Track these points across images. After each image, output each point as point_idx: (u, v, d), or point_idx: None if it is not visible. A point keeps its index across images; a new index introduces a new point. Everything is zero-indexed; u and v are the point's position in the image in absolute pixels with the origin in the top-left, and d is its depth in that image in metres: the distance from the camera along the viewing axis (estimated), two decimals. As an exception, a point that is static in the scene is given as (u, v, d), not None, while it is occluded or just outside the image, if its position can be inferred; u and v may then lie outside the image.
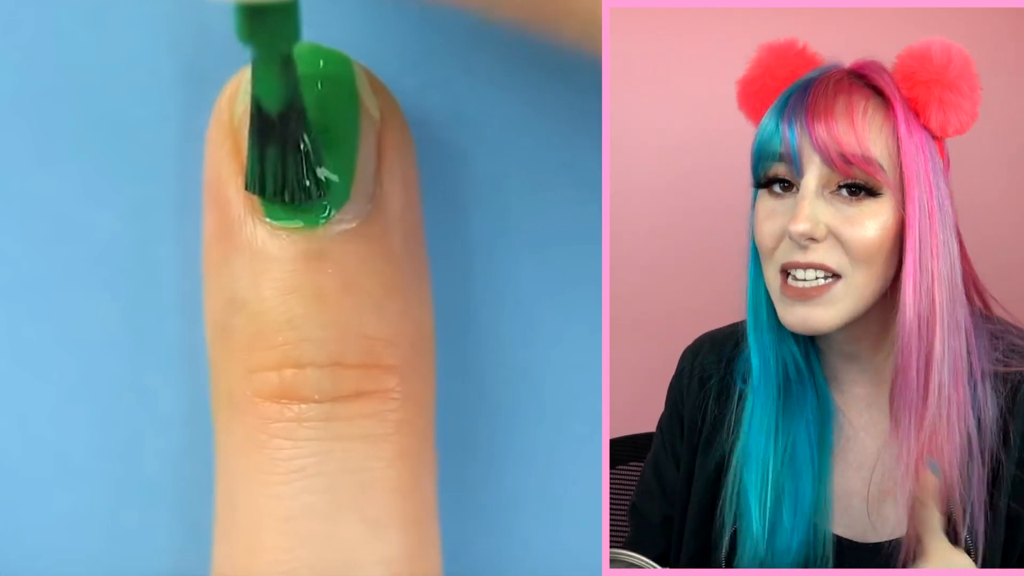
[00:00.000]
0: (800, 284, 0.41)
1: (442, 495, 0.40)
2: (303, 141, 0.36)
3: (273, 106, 0.35)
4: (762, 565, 0.44)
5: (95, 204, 0.41)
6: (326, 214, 0.37)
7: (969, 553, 0.42)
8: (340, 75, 0.38)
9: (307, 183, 0.36)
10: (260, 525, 0.37)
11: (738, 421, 0.46)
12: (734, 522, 0.45)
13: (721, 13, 0.70)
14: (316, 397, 0.37)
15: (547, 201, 0.43)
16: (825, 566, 0.43)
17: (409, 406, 0.38)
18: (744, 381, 0.46)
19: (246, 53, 0.35)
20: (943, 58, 0.41)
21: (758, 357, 0.45)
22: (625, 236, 0.67)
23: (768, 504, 0.44)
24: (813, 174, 0.40)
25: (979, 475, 0.42)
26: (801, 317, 0.41)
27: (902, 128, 0.41)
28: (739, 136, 0.45)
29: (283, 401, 0.37)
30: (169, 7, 0.41)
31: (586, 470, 0.43)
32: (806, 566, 0.43)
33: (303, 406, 0.37)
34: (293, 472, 0.37)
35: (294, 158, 0.36)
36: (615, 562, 0.43)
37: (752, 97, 0.44)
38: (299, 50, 0.36)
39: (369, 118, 0.38)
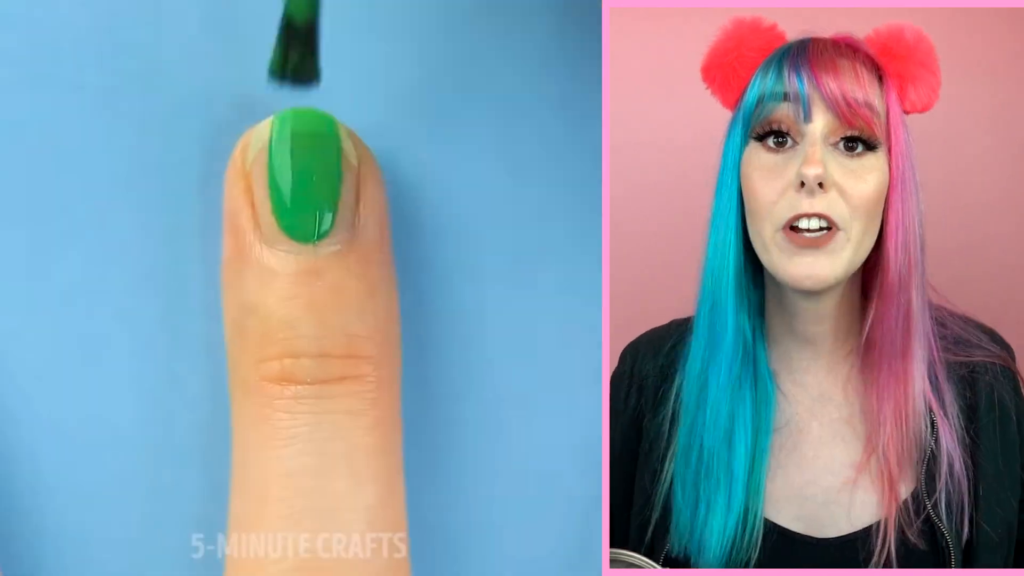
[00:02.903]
0: (807, 235, 0.39)
1: (444, 494, 0.42)
2: (317, 44, 0.38)
3: (302, 19, 0.37)
4: (691, 545, 0.42)
5: (141, 232, 0.43)
6: (317, 238, 0.39)
7: (936, 540, 0.41)
8: (327, 132, 0.40)
9: (317, 70, 0.38)
10: (267, 481, 0.39)
11: (675, 414, 0.44)
12: (662, 506, 0.44)
13: (722, 13, 0.55)
14: (309, 381, 0.39)
15: (551, 200, 0.44)
16: (754, 551, 0.42)
17: (382, 387, 0.40)
18: (683, 367, 0.44)
19: (251, 118, 0.39)
20: (914, 37, 0.41)
21: (708, 330, 0.43)
22: (625, 236, 0.61)
23: (699, 481, 0.43)
24: (819, 122, 0.39)
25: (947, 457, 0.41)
26: (807, 266, 0.39)
27: (891, 93, 0.40)
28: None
29: (284, 384, 0.39)
30: (200, 76, 0.43)
31: (587, 469, 0.44)
32: (736, 550, 0.42)
33: (299, 387, 0.39)
34: (292, 439, 0.38)
35: (312, 55, 0.38)
36: (615, 562, 0.43)
37: (722, 68, 0.42)
38: (298, 113, 0.39)
39: (349, 164, 0.40)
